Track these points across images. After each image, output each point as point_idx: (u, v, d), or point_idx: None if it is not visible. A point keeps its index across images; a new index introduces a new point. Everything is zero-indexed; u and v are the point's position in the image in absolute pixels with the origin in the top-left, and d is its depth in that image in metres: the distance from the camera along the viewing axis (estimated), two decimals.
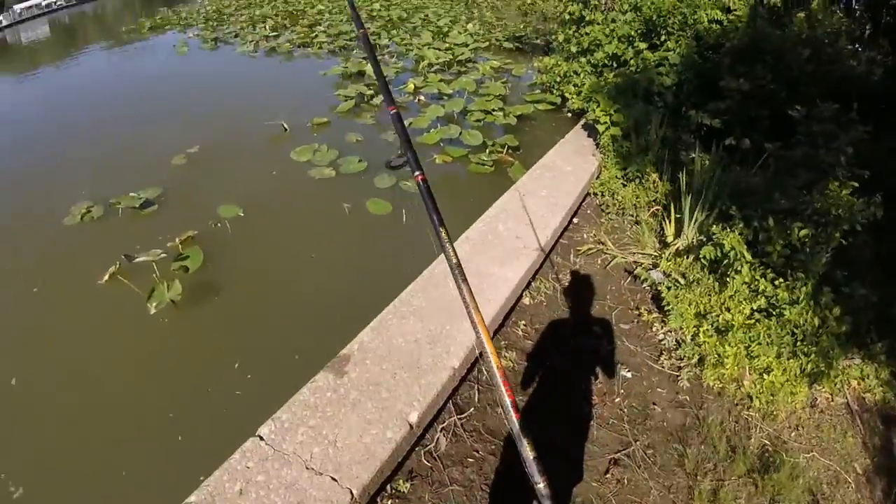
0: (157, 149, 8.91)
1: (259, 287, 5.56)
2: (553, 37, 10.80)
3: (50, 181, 8.37)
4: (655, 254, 5.09)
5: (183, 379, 4.47)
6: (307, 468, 2.81)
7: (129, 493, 3.56)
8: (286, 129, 8.99)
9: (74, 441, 3.97)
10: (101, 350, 4.86)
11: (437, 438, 3.34)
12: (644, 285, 4.85)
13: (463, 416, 3.52)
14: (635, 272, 4.98)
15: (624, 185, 6.17)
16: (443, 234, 1.77)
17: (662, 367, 4.01)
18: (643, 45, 7.45)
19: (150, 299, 5.20)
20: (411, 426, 3.09)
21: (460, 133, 8.55)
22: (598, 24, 8.18)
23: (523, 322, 4.43)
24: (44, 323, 5.31)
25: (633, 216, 5.90)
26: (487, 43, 16.50)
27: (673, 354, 4.08)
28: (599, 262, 5.33)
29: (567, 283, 4.95)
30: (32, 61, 26.16)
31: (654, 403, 3.73)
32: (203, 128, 9.85)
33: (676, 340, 4.13)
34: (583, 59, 8.34)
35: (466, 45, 15.23)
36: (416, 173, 1.86)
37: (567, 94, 8.47)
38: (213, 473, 2.82)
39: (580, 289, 4.86)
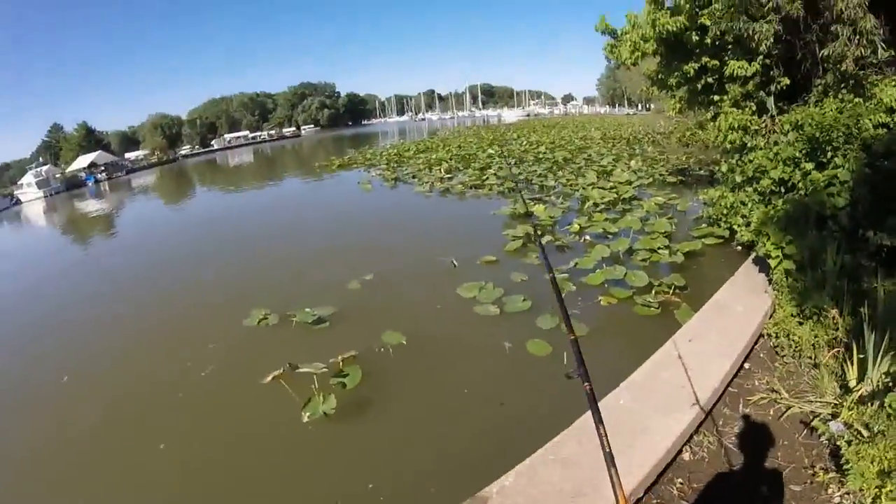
0: (337, 273, 10.21)
1: (409, 414, 5.83)
2: (717, 167, 10.77)
3: (240, 288, 10.22)
4: (836, 402, 4.55)
5: (318, 489, 4.78)
6: None
7: None
8: (455, 266, 9.71)
9: None
10: (250, 444, 5.46)
11: None
12: (822, 439, 4.33)
13: None
14: (812, 424, 4.48)
15: (800, 324, 5.45)
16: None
17: None
18: (810, 166, 6.99)
19: (304, 408, 5.70)
20: None
21: (625, 274, 8.57)
22: (761, 149, 7.98)
23: (680, 480, 4.17)
24: (207, 405, 6.21)
25: (811, 359, 5.27)
26: (651, 179, 16.71)
27: None
28: (772, 412, 4.87)
29: (734, 438, 4.63)
30: (236, 183, 31.01)
31: None
32: (380, 258, 11.16)
33: None
34: (749, 189, 8.10)
35: (630, 183, 15.56)
36: (586, 384, 2.05)
37: (735, 227, 8.22)
38: None
39: (748, 444, 4.48)
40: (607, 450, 1.76)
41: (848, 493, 3.65)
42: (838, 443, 3.85)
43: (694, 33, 8.95)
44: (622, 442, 4.07)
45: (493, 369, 6.57)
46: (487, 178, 19.33)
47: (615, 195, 14.24)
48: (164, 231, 18.27)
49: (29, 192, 51.97)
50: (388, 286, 9.56)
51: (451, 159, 26.00)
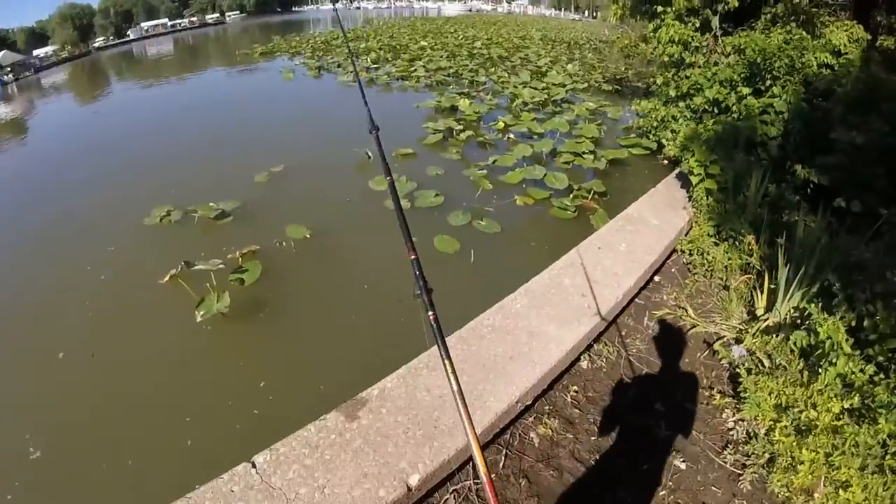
0: (246, 165, 9.44)
1: (306, 311, 5.57)
2: (653, 80, 10.45)
3: (143, 180, 9.38)
4: (741, 327, 4.47)
5: (209, 386, 4.58)
6: None
7: (124, 481, 3.72)
8: (370, 157, 9.05)
9: (94, 416, 4.34)
10: (143, 342, 5.16)
11: (446, 501, 3.02)
12: (723, 362, 4.25)
13: (479, 482, 3.17)
14: (715, 346, 4.40)
15: (716, 245, 5.41)
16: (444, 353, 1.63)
17: (725, 461, 3.40)
18: (747, 90, 6.85)
19: (199, 307, 5.32)
20: (409, 489, 2.77)
21: (545, 175, 8.25)
22: (700, 67, 7.77)
23: (575, 388, 3.99)
24: (103, 307, 5.77)
25: (721, 280, 5.25)
26: (586, 84, 16.23)
27: (740, 449, 3.43)
28: (676, 329, 4.81)
29: (634, 350, 4.47)
30: (155, 74, 28.61)
31: None
32: (292, 149, 10.40)
33: (747, 433, 3.48)
34: (682, 104, 7.91)
35: (563, 86, 15.03)
36: (430, 312, 1.71)
37: (664, 140, 8.02)
38: (197, 489, 2.74)
39: (648, 358, 4.36)
40: (455, 388, 1.55)
41: (742, 421, 3.56)
42: (738, 370, 3.76)
43: None
44: (514, 347, 3.84)
45: (398, 266, 6.16)
46: (416, 69, 18.29)
47: (546, 96, 13.70)
48: (75, 132, 16.15)
49: None
50: (298, 178, 8.93)
51: (380, 49, 24.49)
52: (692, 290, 5.10)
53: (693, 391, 3.96)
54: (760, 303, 4.43)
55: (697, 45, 8.37)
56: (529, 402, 3.62)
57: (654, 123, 8.60)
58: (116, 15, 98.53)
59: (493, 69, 18.78)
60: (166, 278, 5.95)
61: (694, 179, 6.09)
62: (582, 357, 4.20)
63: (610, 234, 5.70)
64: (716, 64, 7.54)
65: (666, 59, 8.74)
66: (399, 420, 3.17)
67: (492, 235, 6.76)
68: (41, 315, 5.76)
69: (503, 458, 3.34)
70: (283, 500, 2.66)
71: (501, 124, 11.14)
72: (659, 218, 6.09)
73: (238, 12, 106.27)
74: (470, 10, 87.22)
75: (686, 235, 5.84)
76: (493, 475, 3.08)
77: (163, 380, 4.68)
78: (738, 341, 4.22)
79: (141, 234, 7.30)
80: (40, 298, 6.08)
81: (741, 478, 3.20)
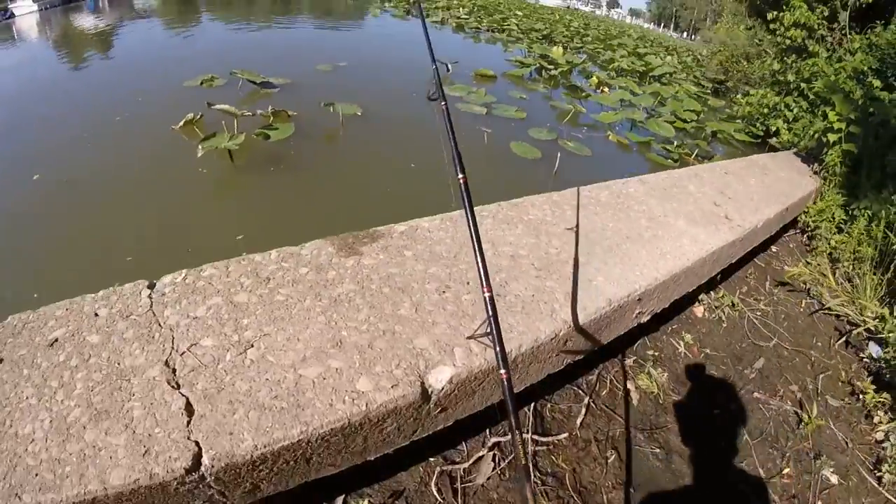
0: (310, 57, 8.36)
1: (330, 174, 4.64)
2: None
3: (202, 60, 8.21)
4: (877, 320, 3.38)
5: (180, 217, 3.79)
6: (167, 364, 1.51)
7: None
8: (448, 70, 7.94)
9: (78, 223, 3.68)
10: (125, 171, 4.39)
11: (481, 458, 1.96)
12: (862, 357, 3.20)
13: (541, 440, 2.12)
14: (850, 336, 3.34)
15: (844, 223, 4.47)
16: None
17: (882, 482, 2.34)
18: (878, 83, 5.74)
19: (203, 141, 4.42)
20: (427, 391, 1.59)
21: (647, 118, 7.08)
22: (823, 58, 6.90)
23: (689, 335, 2.93)
24: (102, 141, 4.97)
25: (846, 267, 4.11)
26: (685, 75, 14.81)
27: None
28: (803, 305, 3.69)
29: (758, 313, 3.38)
30: (248, 13, 28.25)
31: None
32: (363, 54, 9.39)
33: None
34: (798, 97, 7.03)
35: (663, 67, 13.67)
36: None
37: (777, 126, 7.02)
38: (73, 298, 1.76)
39: (774, 326, 3.28)
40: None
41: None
42: (882, 370, 3.07)
43: None
44: (631, 228, 2.80)
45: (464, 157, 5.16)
46: (508, 24, 17.13)
47: (645, 68, 12.39)
48: (158, 52, 15.49)
49: (23, 5, 47.47)
50: (364, 72, 7.86)
51: (473, 9, 23.44)
52: (816, 272, 4.01)
53: (832, 383, 2.98)
54: None
55: (822, 33, 7.56)
56: (646, 320, 2.53)
57: (764, 111, 7.74)
58: None
59: (587, 43, 17.49)
60: (180, 123, 5.09)
61: (831, 137, 5.06)
62: (696, 303, 3.15)
63: (735, 167, 4.56)
64: (839, 60, 6.58)
65: (786, 44, 7.95)
66: (432, 272, 2.07)
67: (580, 157, 5.68)
68: (43, 139, 5.04)
69: (583, 409, 2.27)
70: (161, 350, 1.56)
71: (596, 79, 9.90)
72: (785, 171, 4.94)
73: None
74: (568, 7, 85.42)
75: (813, 205, 4.68)
76: (564, 434, 2.03)
77: (124, 197, 3.96)
78: (876, 333, 3.21)
79: (176, 93, 6.37)
80: (53, 128, 5.32)
81: None
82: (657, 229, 2.82)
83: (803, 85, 7.00)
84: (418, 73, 7.82)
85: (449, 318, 1.82)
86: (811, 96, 6.67)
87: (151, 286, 1.83)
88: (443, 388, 1.59)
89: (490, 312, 1.39)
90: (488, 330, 1.38)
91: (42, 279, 3.04)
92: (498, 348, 1.34)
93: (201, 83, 6.49)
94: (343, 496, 1.74)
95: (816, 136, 5.66)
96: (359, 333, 1.70)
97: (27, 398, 1.39)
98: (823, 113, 5.51)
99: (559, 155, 5.24)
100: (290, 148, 4.87)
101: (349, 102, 5.90)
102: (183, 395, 1.42)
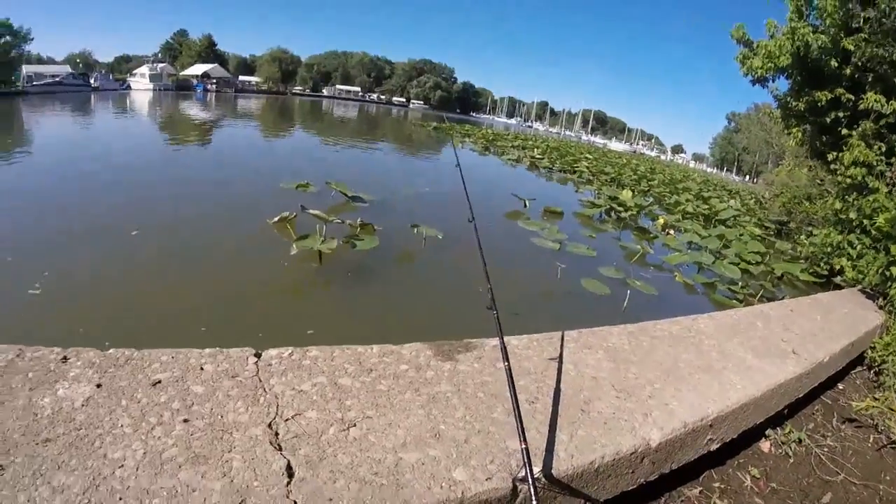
0: (397, 182, 9.62)
1: (406, 292, 5.17)
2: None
3: (299, 169, 9.63)
4: None
5: (259, 302, 4.35)
6: (270, 427, 1.70)
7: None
8: (526, 205, 8.78)
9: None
10: (225, 250, 5.27)
11: None
12: None
13: None
14: None
15: None
16: None
17: None
18: None
19: (298, 240, 5.06)
20: (515, 487, 1.71)
21: (714, 261, 7.50)
22: (884, 193, 7.13)
23: (756, 469, 3.17)
24: (207, 223, 6.08)
25: None
26: (749, 218, 15.24)
27: None
28: (871, 441, 3.85)
29: (826, 449, 3.58)
30: (337, 133, 31.09)
31: None
32: (444, 183, 10.37)
33: None
34: (861, 234, 7.19)
35: (727, 210, 14.19)
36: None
37: (841, 265, 7.20)
38: (178, 348, 2.05)
39: (842, 461, 3.45)
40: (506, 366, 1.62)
41: None
42: None
43: (833, 59, 8.03)
44: (703, 359, 3.13)
45: (531, 288, 5.72)
46: (579, 166, 18.28)
47: (710, 211, 12.93)
48: (255, 151, 17.63)
49: (141, 82, 54.74)
50: (444, 199, 8.80)
51: (546, 150, 25.02)
52: (885, 406, 4.16)
53: None
54: None
55: (882, 169, 7.60)
56: (715, 448, 2.80)
57: (827, 249, 7.80)
58: (318, 72, 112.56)
59: (654, 185, 18.30)
60: (276, 219, 5.93)
61: (895, 271, 5.42)
62: (763, 437, 3.42)
63: (800, 305, 4.89)
64: None
65: (848, 181, 8.01)
66: (522, 384, 2.31)
67: (647, 296, 6.08)
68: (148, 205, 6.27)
69: None
70: (266, 413, 1.75)
71: (662, 220, 10.50)
72: (848, 308, 5.19)
73: (422, 102, 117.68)
74: (634, 151, 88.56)
75: (880, 339, 4.87)
76: None
77: (212, 272, 4.76)
78: None
79: (273, 192, 7.51)
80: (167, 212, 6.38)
81: None
82: (726, 362, 3.16)
83: (865, 221, 7.15)
84: (497, 206, 8.71)
85: (538, 425, 2.04)
86: (874, 232, 6.81)
87: (258, 355, 2.08)
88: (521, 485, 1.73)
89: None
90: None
91: (117, 327, 3.55)
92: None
93: (297, 187, 7.62)
94: None
95: (880, 271, 5.88)
96: (456, 429, 1.87)
97: (122, 426, 1.55)
98: (886, 247, 5.75)
99: (628, 293, 5.68)
100: (372, 258, 5.50)
101: (431, 227, 6.59)
102: (284, 457, 1.55)
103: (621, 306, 5.51)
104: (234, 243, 5.48)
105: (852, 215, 7.53)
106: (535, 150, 22.43)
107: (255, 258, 5.20)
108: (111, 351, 1.93)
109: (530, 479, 1.41)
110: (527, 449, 1.55)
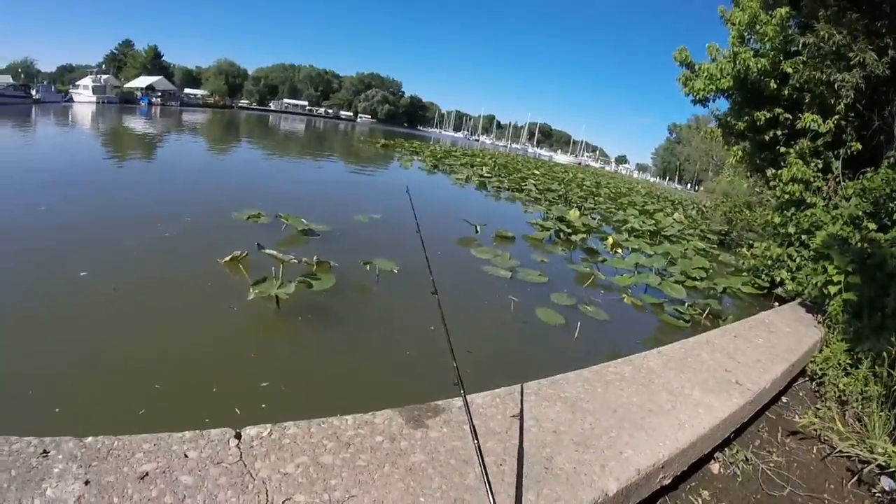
0: (348, 207, 9.61)
1: (365, 333, 5.06)
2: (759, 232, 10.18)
3: (248, 194, 9.56)
4: (886, 455, 3.71)
5: (210, 350, 4.19)
6: None
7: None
8: (477, 231, 8.87)
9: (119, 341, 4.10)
10: (173, 293, 5.03)
11: None
12: (874, 490, 3.48)
13: None
14: (862, 474, 3.63)
15: (851, 366, 4.83)
16: None
17: None
18: (872, 226, 6.35)
19: (255, 285, 4.84)
20: None
21: (660, 282, 7.71)
22: (821, 207, 7.58)
23: (707, 492, 3.27)
24: (153, 260, 5.83)
25: (856, 407, 4.50)
26: (692, 231, 15.82)
27: None
28: (815, 451, 4.02)
29: (772, 465, 3.72)
30: (283, 148, 30.76)
31: None
32: (396, 208, 10.12)
33: None
34: (797, 245, 7.71)
35: (672, 225, 14.70)
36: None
37: (781, 277, 7.70)
38: (158, 433, 2.01)
39: (788, 475, 3.59)
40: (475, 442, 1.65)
41: None
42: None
43: (773, 81, 8.47)
44: (653, 401, 3.23)
45: (482, 322, 5.74)
46: (527, 185, 18.58)
47: (655, 227, 13.34)
48: (202, 169, 17.07)
49: (83, 94, 52.89)
50: (396, 226, 8.80)
51: (494, 166, 25.36)
52: (826, 417, 4.37)
53: None
54: None
55: (818, 185, 8.14)
56: (667, 482, 2.90)
57: (768, 262, 8.30)
58: (265, 86, 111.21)
59: (601, 202, 18.76)
60: (227, 258, 5.69)
61: (832, 289, 5.54)
62: (713, 459, 3.53)
63: (743, 329, 5.13)
64: (835, 207, 7.25)
65: (786, 197, 8.47)
66: (489, 446, 2.38)
67: (599, 321, 6.20)
68: (91, 247, 5.90)
69: None
70: (256, 501, 1.76)
71: (611, 240, 10.72)
72: (791, 328, 5.48)
73: (369, 117, 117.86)
74: (579, 163, 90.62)
75: (820, 353, 5.14)
76: None
77: (160, 319, 4.50)
78: (887, 467, 3.50)
79: (224, 223, 7.35)
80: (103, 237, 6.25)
81: None
82: (676, 401, 3.26)
83: (804, 236, 7.54)
84: (450, 232, 8.77)
85: (507, 487, 2.11)
86: (812, 245, 7.12)
87: (238, 436, 2.08)
88: None
89: None
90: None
91: (59, 390, 3.30)
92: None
93: (248, 218, 7.51)
94: None
95: (819, 286, 6.12)
96: (434, 500, 1.94)
97: None
98: (823, 267, 5.94)
99: (579, 323, 5.74)
100: (329, 297, 5.36)
101: (386, 259, 6.55)
102: None
103: (574, 335, 5.60)
104: (181, 284, 5.26)
105: (791, 230, 7.99)
106: (483, 167, 22.68)
107: (203, 302, 4.99)
108: (90, 440, 1.89)
109: None
110: None
